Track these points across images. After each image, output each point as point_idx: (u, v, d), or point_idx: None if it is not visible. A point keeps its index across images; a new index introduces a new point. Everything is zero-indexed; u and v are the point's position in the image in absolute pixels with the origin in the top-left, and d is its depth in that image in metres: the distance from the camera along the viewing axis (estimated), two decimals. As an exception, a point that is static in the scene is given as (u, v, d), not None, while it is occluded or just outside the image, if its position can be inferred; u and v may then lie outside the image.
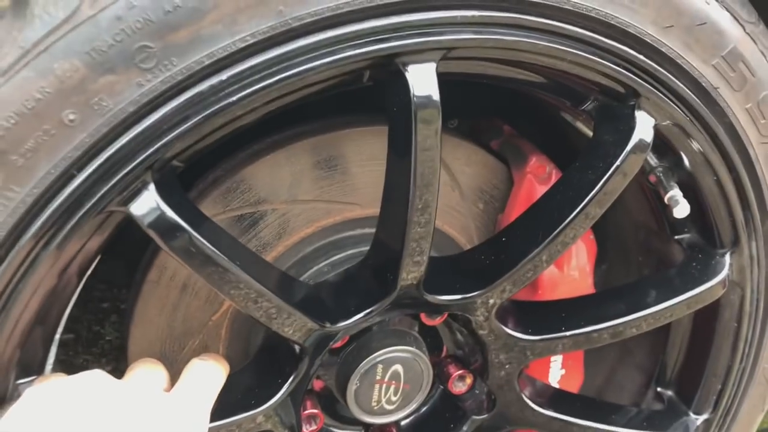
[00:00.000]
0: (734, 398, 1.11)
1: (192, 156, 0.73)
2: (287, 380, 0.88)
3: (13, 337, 0.69)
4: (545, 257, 0.87)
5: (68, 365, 1.55)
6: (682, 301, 0.97)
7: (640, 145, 0.83)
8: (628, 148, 0.82)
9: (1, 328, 0.67)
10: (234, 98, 0.64)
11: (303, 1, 0.64)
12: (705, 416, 1.12)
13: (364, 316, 0.88)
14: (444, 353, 1.10)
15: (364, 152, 0.99)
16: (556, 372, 1.13)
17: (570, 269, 1.06)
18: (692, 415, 1.12)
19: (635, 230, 1.11)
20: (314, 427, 1.00)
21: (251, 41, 0.64)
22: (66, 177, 0.63)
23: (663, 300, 0.97)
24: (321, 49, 0.66)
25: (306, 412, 1.00)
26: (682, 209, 0.91)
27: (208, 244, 0.71)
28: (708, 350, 1.10)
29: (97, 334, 1.62)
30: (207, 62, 0.63)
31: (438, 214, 1.05)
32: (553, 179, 1.05)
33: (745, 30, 0.83)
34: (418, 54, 0.70)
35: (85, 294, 1.21)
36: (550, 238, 0.86)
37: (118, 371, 1.03)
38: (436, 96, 0.72)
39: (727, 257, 0.98)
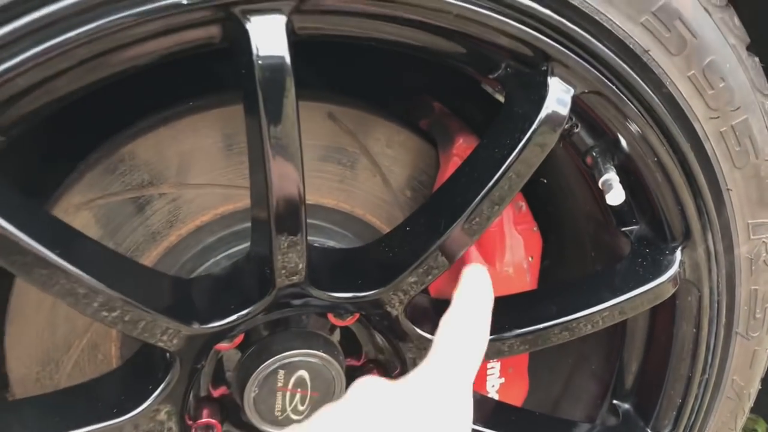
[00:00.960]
0: (698, 414, 0.97)
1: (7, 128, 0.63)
2: (158, 387, 0.78)
3: None
4: (449, 250, 0.75)
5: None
6: (623, 301, 0.84)
7: (553, 118, 0.70)
8: (538, 120, 0.70)
9: None
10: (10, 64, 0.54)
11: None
12: (664, 434, 0.98)
13: (241, 317, 0.77)
14: (363, 358, 0.98)
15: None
16: (495, 381, 1.00)
17: (503, 265, 0.93)
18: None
19: (586, 222, 0.98)
20: (203, 435, 0.90)
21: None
22: None
23: (600, 301, 0.84)
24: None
25: (200, 421, 0.89)
26: (615, 195, 0.78)
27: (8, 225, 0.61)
28: (666, 359, 0.96)
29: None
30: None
31: (358, 202, 0.96)
32: (484, 162, 0.92)
33: (680, -18, 0.70)
34: (261, 2, 0.59)
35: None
36: (451, 228, 0.74)
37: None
38: (286, 57, 0.60)
39: (678, 252, 0.85)
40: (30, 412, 0.75)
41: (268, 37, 0.60)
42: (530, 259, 0.99)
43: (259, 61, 0.60)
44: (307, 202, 0.90)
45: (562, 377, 1.15)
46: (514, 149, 0.70)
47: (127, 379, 0.81)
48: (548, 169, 0.98)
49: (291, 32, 0.61)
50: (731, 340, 0.93)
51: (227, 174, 0.89)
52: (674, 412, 0.97)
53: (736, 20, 0.77)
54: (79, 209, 0.85)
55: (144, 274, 0.78)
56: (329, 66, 0.95)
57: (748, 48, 0.79)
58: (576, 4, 0.67)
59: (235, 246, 0.92)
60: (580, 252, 1.02)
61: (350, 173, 0.94)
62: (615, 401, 1.03)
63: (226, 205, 0.91)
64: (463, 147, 0.91)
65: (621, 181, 0.81)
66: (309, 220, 0.90)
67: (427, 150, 0.97)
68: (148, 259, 0.89)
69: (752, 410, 1.05)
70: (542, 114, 0.70)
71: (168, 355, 0.77)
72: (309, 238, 0.74)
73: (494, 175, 0.71)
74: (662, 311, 0.93)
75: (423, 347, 0.86)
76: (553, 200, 1.02)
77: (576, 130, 0.81)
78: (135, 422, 0.77)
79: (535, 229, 0.98)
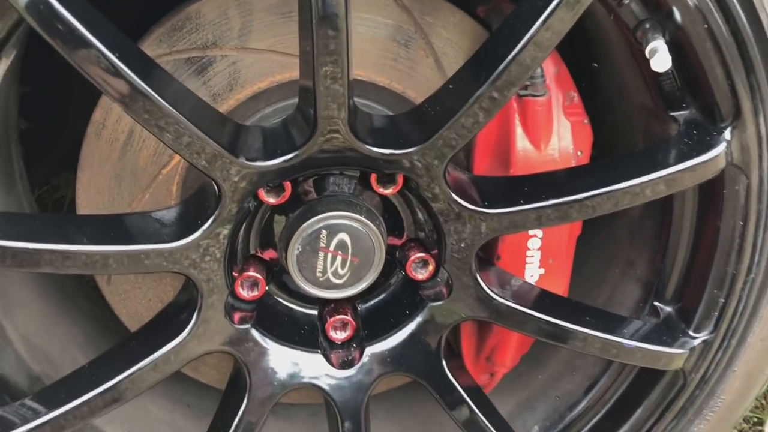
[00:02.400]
0: (740, 317, 0.95)
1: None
2: (207, 221, 0.83)
3: None
4: (485, 105, 0.77)
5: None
6: (661, 177, 0.83)
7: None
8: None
9: None
10: None
11: None
12: (704, 336, 0.97)
13: (284, 161, 0.81)
14: (405, 237, 1.01)
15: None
16: (534, 270, 1.01)
17: (548, 148, 0.94)
18: (691, 333, 0.98)
19: (638, 112, 0.98)
20: (255, 293, 0.95)
21: None
22: None
23: (639, 174, 0.84)
24: None
25: (246, 274, 0.94)
26: (661, 60, 0.78)
27: (97, 42, 0.67)
28: (711, 256, 0.94)
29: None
30: None
31: (410, 84, 0.98)
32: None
33: None
34: None
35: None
36: (490, 79, 0.75)
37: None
38: None
39: (726, 133, 0.84)
40: (92, 225, 0.82)
41: None
42: (579, 153, 0.99)
43: None
44: (360, 77, 0.95)
45: (608, 287, 1.14)
46: (547, 6, 0.72)
47: (181, 214, 0.87)
48: (601, 55, 0.99)
49: None
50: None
51: (285, 42, 0.93)
52: (716, 314, 0.96)
53: None
54: (148, 62, 0.91)
55: (210, 111, 0.83)
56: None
57: None
58: None
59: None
60: (630, 144, 1.01)
61: (404, 52, 0.97)
62: (656, 303, 1.02)
63: (283, 74, 0.95)
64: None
65: (672, 60, 0.81)
66: (360, 100, 0.94)
67: (482, 35, 0.98)
68: (208, 119, 0.95)
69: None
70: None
71: (218, 191, 0.82)
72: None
73: (531, 28, 0.73)
74: (709, 203, 0.92)
75: (461, 219, 0.87)
76: (606, 94, 1.02)
77: (626, 1, 0.81)
78: (182, 252, 0.83)
79: (585, 121, 0.98)
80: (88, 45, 0.69)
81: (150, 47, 0.92)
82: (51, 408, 0.85)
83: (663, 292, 1.02)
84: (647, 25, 0.82)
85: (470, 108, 0.78)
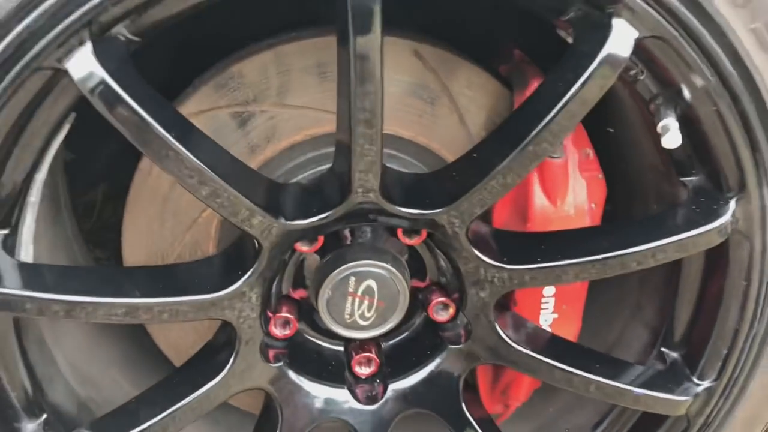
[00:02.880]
0: (743, 367, 1.01)
1: (144, 31, 0.76)
2: (247, 272, 0.90)
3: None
4: (512, 173, 0.83)
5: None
6: (672, 242, 0.89)
7: (613, 58, 0.77)
8: (598, 59, 0.76)
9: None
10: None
11: None
12: (707, 383, 1.03)
13: (317, 219, 0.88)
14: (428, 281, 1.08)
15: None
16: (548, 315, 1.07)
17: (564, 204, 1.00)
18: (695, 380, 1.04)
19: (650, 173, 1.03)
20: (287, 331, 1.02)
21: None
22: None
23: (651, 240, 0.90)
24: None
25: (279, 315, 1.01)
26: (672, 138, 0.84)
27: (146, 115, 0.74)
28: (716, 311, 1.00)
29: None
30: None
31: (434, 137, 1.05)
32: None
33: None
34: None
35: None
36: (515, 152, 0.82)
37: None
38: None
39: (732, 203, 0.89)
40: (141, 277, 0.89)
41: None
42: (593, 206, 1.05)
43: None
44: (388, 132, 1.01)
45: (617, 328, 1.20)
46: (573, 84, 0.77)
47: (221, 265, 0.94)
48: (616, 119, 1.04)
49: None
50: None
51: (321, 99, 1.00)
52: (720, 364, 1.02)
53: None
54: (192, 117, 0.98)
55: (247, 172, 0.90)
56: (418, 7, 1.04)
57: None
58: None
59: (322, 166, 1.03)
60: (644, 203, 1.07)
61: (430, 109, 1.03)
62: (663, 349, 1.08)
63: (317, 128, 1.02)
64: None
65: (682, 131, 0.87)
66: (388, 150, 1.01)
67: (504, 94, 1.04)
68: (246, 169, 1.02)
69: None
70: (602, 54, 0.76)
71: (257, 244, 0.89)
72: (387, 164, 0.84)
73: (555, 107, 0.79)
74: (715, 263, 0.98)
75: (481, 272, 0.94)
76: (620, 151, 1.08)
77: (641, 77, 0.87)
78: (223, 301, 0.90)
79: (600, 176, 1.04)
80: (142, 122, 0.76)
81: (196, 102, 0.99)
82: None
83: (670, 339, 1.08)
84: (659, 100, 0.87)
85: (493, 179, 0.84)
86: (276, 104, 1.00)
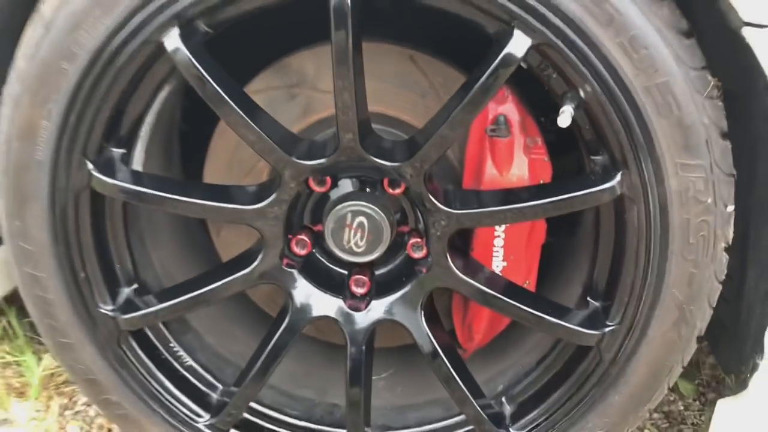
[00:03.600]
0: (641, 314, 1.28)
1: (216, 25, 1.21)
2: (271, 195, 1.32)
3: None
4: (447, 134, 1.20)
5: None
6: (571, 197, 1.21)
7: (510, 56, 1.12)
8: (500, 56, 1.12)
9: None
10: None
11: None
12: (613, 326, 1.31)
13: (319, 162, 1.28)
14: (408, 228, 1.44)
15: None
16: (499, 263, 1.40)
17: (509, 175, 1.34)
18: (605, 323, 1.32)
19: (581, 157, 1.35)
20: (304, 251, 1.42)
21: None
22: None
23: (557, 195, 1.22)
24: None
25: (298, 237, 1.42)
26: (563, 119, 1.16)
27: (212, 81, 1.18)
28: (620, 266, 1.29)
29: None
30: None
31: (423, 119, 1.42)
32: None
33: (610, -22, 1.08)
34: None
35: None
36: (448, 119, 1.18)
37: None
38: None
39: (618, 175, 1.20)
40: (207, 188, 1.34)
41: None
42: (541, 182, 1.37)
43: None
44: (390, 114, 1.40)
45: (570, 290, 1.50)
46: (485, 72, 1.14)
47: (259, 191, 1.36)
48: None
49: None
50: (668, 257, 1.23)
51: (343, 87, 1.41)
52: (623, 310, 1.30)
53: (667, 11, 1.11)
54: (255, 94, 1.42)
55: (279, 129, 1.31)
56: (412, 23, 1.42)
57: (683, 32, 1.13)
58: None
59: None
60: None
61: (421, 100, 1.42)
62: (588, 299, 1.37)
63: (339, 108, 1.43)
64: (494, 89, 1.33)
65: (586, 121, 1.20)
66: (388, 128, 1.39)
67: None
68: (288, 132, 1.45)
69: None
70: (504, 52, 1.12)
71: (279, 178, 1.30)
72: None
73: (472, 88, 1.15)
74: (619, 225, 1.27)
75: (436, 215, 1.29)
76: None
77: (554, 76, 1.20)
78: (254, 212, 1.32)
79: (546, 159, 1.37)
80: (213, 90, 1.20)
81: (259, 82, 1.44)
82: (162, 300, 1.38)
83: (593, 291, 1.37)
84: (568, 95, 1.20)
85: (434, 139, 1.21)
86: (311, 88, 1.43)
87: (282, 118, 1.42)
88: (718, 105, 1.17)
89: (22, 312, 1.86)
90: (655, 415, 1.99)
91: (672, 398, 2.05)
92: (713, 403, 1.45)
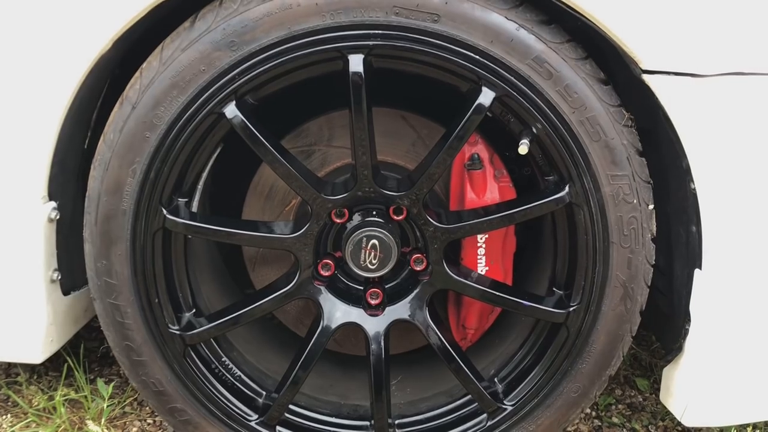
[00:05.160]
0: (594, 294, 1.68)
1: (259, 98, 1.62)
2: (303, 227, 1.70)
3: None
4: (434, 170, 1.61)
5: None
6: (531, 206, 1.63)
7: (481, 106, 1.55)
8: (473, 107, 1.55)
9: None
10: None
11: (297, 24, 1.52)
12: (574, 306, 1.70)
13: (342, 196, 1.67)
14: (410, 247, 1.83)
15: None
16: (483, 267, 1.80)
17: (484, 198, 1.75)
18: (568, 304, 1.72)
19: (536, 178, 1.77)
20: (327, 272, 1.79)
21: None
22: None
23: (523, 205, 1.64)
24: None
25: (323, 260, 1.79)
26: (522, 149, 1.59)
27: (260, 135, 1.58)
28: (575, 258, 1.70)
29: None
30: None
31: (414, 164, 1.84)
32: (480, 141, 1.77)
33: (547, 45, 1.53)
34: (352, 51, 1.53)
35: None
36: (434, 159, 1.60)
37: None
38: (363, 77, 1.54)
39: (567, 187, 1.62)
40: (249, 223, 1.72)
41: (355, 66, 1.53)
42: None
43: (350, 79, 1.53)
44: (387, 160, 1.82)
45: (539, 284, 1.89)
46: (462, 120, 1.56)
47: (293, 223, 1.74)
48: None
49: (368, 65, 1.54)
50: (610, 246, 1.64)
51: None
52: (581, 292, 1.69)
53: (589, 66, 1.56)
54: (282, 151, 1.82)
55: (309, 173, 1.71)
56: (403, 88, 1.86)
57: (602, 80, 1.57)
58: (489, 53, 1.52)
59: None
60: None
61: (412, 148, 1.84)
62: (554, 288, 1.77)
63: (348, 159, 1.84)
64: (468, 134, 1.76)
65: (539, 150, 1.62)
66: (386, 172, 1.80)
67: (455, 139, 1.83)
68: (310, 181, 1.85)
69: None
70: (476, 103, 1.55)
71: (310, 209, 1.69)
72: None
73: (453, 133, 1.57)
74: (570, 227, 1.68)
75: (433, 232, 1.68)
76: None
77: (512, 120, 1.64)
78: (291, 240, 1.69)
79: (510, 186, 1.79)
80: (263, 144, 1.59)
81: (286, 142, 1.84)
82: (211, 321, 1.73)
83: (557, 281, 1.77)
84: (523, 132, 1.63)
85: (426, 174, 1.62)
86: (327, 145, 1.83)
87: (304, 169, 1.83)
88: (632, 131, 1.61)
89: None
90: (620, 407, 2.37)
91: (633, 393, 2.44)
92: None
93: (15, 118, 1.59)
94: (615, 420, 2.28)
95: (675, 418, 1.79)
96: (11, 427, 2.05)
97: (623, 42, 1.51)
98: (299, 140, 1.84)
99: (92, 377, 2.30)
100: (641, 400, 2.42)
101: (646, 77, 1.54)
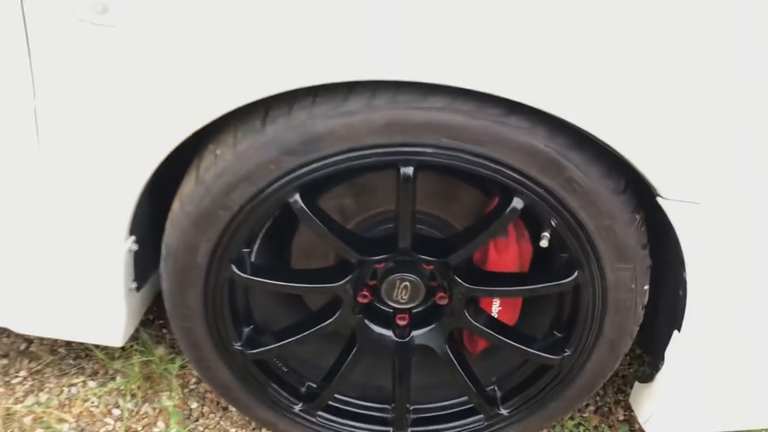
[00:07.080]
0: (587, 346, 2.02)
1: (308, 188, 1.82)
2: (348, 275, 1.99)
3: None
4: (472, 247, 1.87)
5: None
6: (548, 285, 1.92)
7: (514, 209, 1.78)
8: (509, 209, 1.78)
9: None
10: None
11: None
12: (569, 352, 2.06)
13: (383, 258, 1.94)
14: (436, 284, 2.13)
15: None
16: (495, 310, 2.12)
17: (510, 259, 2.02)
18: (564, 350, 2.07)
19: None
20: (365, 301, 2.11)
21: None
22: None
23: (539, 283, 1.93)
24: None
25: (362, 292, 2.10)
26: (543, 242, 1.84)
27: (316, 219, 1.82)
28: (576, 317, 2.02)
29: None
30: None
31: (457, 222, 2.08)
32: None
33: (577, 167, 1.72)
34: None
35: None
36: (474, 240, 1.86)
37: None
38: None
39: (577, 272, 1.90)
40: (300, 272, 2.01)
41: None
42: (523, 264, 2.06)
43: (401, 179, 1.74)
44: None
45: (540, 326, 2.23)
46: (502, 215, 1.80)
47: (338, 272, 2.03)
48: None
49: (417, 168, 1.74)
50: (606, 316, 1.96)
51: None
52: (576, 342, 2.04)
53: (611, 182, 1.76)
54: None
55: (350, 234, 1.97)
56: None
57: (620, 191, 1.78)
58: (524, 171, 1.72)
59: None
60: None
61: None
62: (554, 332, 2.11)
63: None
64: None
65: (558, 239, 1.87)
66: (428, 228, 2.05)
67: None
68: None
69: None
70: (511, 207, 1.78)
71: (354, 262, 1.96)
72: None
73: (489, 225, 1.82)
74: (577, 295, 1.99)
75: (458, 287, 1.98)
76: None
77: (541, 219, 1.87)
78: (338, 287, 1.99)
79: (530, 249, 2.05)
80: (317, 225, 1.83)
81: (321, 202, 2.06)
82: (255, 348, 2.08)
83: (557, 328, 2.11)
84: (545, 225, 1.87)
85: (463, 249, 1.88)
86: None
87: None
88: (640, 231, 1.85)
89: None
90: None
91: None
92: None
93: (113, 184, 1.82)
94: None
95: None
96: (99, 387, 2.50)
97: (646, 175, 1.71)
98: (328, 198, 2.05)
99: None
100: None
101: (659, 200, 1.76)
